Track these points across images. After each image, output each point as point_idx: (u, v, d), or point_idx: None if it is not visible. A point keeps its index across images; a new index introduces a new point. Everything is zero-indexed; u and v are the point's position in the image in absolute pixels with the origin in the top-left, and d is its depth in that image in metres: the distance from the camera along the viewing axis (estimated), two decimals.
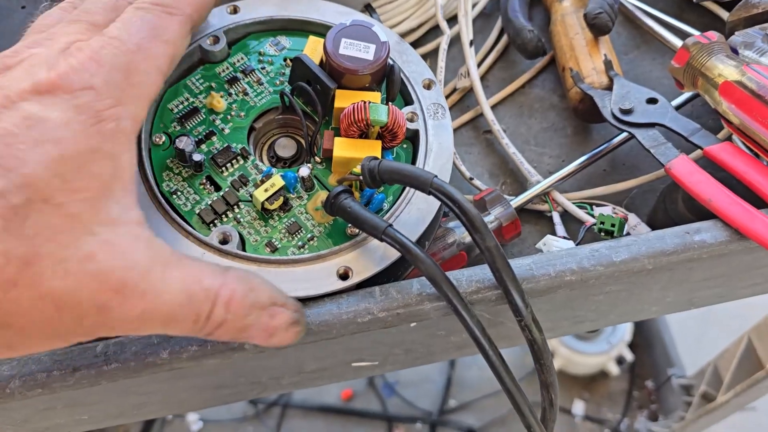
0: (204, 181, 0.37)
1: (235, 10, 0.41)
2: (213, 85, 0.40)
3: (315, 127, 0.38)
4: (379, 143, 0.36)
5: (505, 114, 0.52)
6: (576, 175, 0.47)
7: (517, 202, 0.46)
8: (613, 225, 0.42)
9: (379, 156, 0.36)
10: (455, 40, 0.53)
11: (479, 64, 0.53)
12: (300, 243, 0.36)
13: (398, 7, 0.52)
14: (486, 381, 1.26)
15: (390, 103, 0.37)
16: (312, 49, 0.39)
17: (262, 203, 0.35)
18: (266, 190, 0.36)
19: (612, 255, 0.35)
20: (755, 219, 0.35)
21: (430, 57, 0.53)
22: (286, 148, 0.40)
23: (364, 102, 0.36)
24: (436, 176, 0.32)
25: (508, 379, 0.34)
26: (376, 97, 0.37)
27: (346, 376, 0.47)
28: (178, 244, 0.34)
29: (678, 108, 0.47)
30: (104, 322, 0.28)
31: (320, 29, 0.41)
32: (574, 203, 0.46)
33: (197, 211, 0.36)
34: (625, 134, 0.45)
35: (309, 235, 0.36)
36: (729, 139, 0.44)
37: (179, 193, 0.37)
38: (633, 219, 0.44)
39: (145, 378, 0.37)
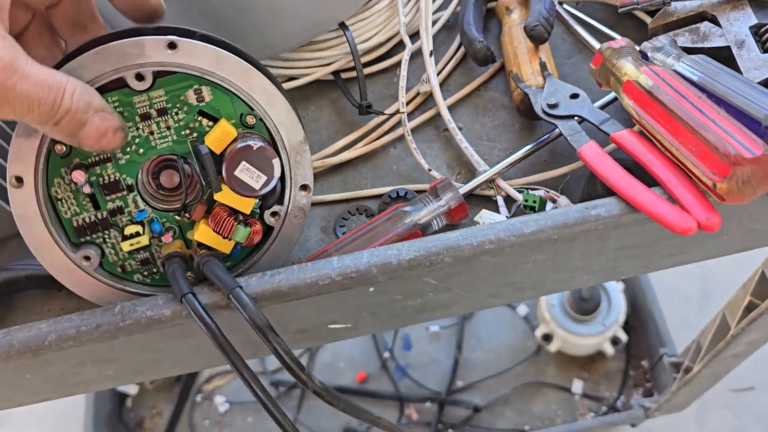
0: (87, 199, 0.44)
1: (172, 46, 0.41)
2: (125, 113, 0.43)
3: (194, 191, 0.46)
4: (232, 243, 0.45)
5: (462, 113, 0.60)
6: (520, 165, 0.55)
7: (466, 188, 0.54)
8: (534, 202, 0.50)
9: (229, 251, 0.46)
10: (420, 50, 0.61)
11: (442, 70, 0.61)
12: (146, 273, 0.47)
13: (368, 24, 0.60)
14: (490, 363, 1.34)
15: (253, 225, 0.45)
16: (217, 138, 0.43)
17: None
18: (131, 245, 0.45)
19: (523, 227, 0.43)
20: (643, 194, 0.43)
21: (397, 67, 0.61)
22: (170, 180, 0.45)
23: (232, 224, 0.44)
24: (240, 287, 0.42)
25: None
26: (250, 203, 0.45)
27: (325, 338, 0.56)
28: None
29: (606, 105, 0.55)
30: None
31: (243, 106, 0.44)
32: (514, 188, 0.54)
33: (74, 222, 0.45)
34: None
35: (155, 269, 0.47)
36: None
37: (63, 201, 0.44)
38: (563, 200, 0.52)
39: (155, 333, 0.46)
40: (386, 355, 1.36)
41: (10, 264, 0.55)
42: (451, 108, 0.60)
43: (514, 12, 0.61)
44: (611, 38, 0.59)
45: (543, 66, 0.56)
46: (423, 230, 0.52)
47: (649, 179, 0.45)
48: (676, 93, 0.44)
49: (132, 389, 1.39)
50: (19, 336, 0.45)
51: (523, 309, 1.37)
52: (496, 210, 0.54)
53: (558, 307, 1.25)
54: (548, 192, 0.53)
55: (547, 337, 1.29)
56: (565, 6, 0.63)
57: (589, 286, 0.59)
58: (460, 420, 1.29)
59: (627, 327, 1.30)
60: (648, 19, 0.60)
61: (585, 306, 1.23)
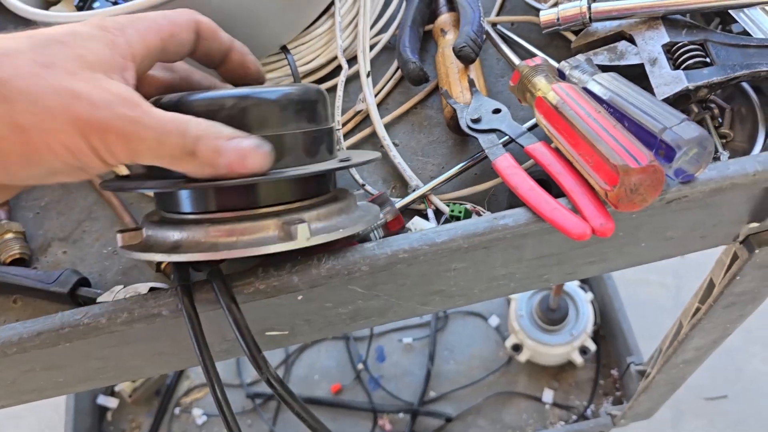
0: None
1: None
2: None
3: None
4: None
5: (400, 130, 0.63)
6: (454, 180, 0.58)
7: (400, 203, 0.57)
8: (459, 212, 0.53)
9: None
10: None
11: (382, 89, 0.65)
12: None
13: (309, 48, 0.63)
14: (462, 373, 1.36)
15: None
16: None
17: None
18: None
19: (435, 237, 0.46)
20: (546, 203, 0.46)
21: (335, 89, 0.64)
22: None
23: None
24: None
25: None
26: None
27: (266, 345, 0.58)
28: None
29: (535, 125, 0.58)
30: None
31: None
32: (444, 203, 0.57)
33: None
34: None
35: None
36: None
37: None
38: (488, 215, 0.55)
39: (94, 341, 0.49)
40: (360, 366, 1.39)
41: None
42: (389, 125, 0.63)
43: (448, 33, 0.64)
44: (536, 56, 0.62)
45: (471, 83, 0.59)
46: (361, 242, 0.55)
47: (560, 190, 0.48)
48: (578, 108, 0.47)
49: (111, 402, 1.41)
50: None
51: (494, 320, 1.40)
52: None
53: (527, 317, 1.27)
54: (474, 207, 0.56)
55: (517, 348, 1.31)
56: (499, 27, 0.67)
57: (521, 292, 0.62)
58: (432, 430, 1.32)
59: (597, 336, 1.33)
60: (574, 38, 0.63)
61: (553, 316, 1.25)
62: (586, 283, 1.35)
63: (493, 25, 0.67)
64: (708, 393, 1.52)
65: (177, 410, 1.40)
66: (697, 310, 0.80)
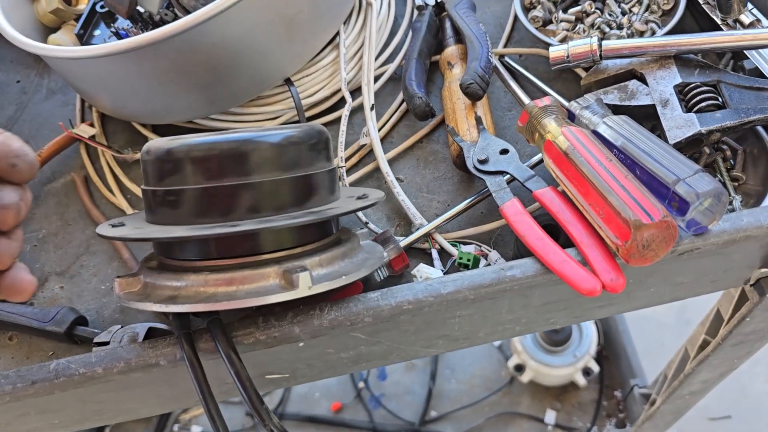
0: None
1: None
2: None
3: None
4: None
5: (405, 165, 0.62)
6: (459, 217, 0.57)
7: (404, 242, 0.56)
8: (468, 260, 0.52)
9: None
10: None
11: (387, 122, 0.63)
12: None
13: (313, 80, 0.62)
14: (464, 393, 1.35)
15: None
16: None
17: None
18: None
19: (441, 288, 0.45)
20: (555, 254, 0.45)
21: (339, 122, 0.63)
22: None
23: None
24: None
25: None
26: None
27: (265, 387, 0.57)
28: None
29: (539, 162, 0.57)
30: None
31: None
32: (449, 242, 0.56)
33: None
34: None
35: None
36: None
37: None
38: (494, 255, 0.54)
39: (90, 389, 0.48)
40: (361, 385, 1.37)
41: None
42: (394, 159, 0.62)
43: (455, 67, 0.63)
44: (546, 93, 0.61)
45: (478, 120, 0.58)
46: (364, 282, 0.54)
47: (567, 237, 0.47)
48: (589, 155, 0.46)
49: None
50: None
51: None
52: (431, 262, 0.56)
53: (530, 338, 1.26)
54: (480, 247, 0.55)
55: (520, 368, 1.30)
56: (507, 59, 0.65)
57: (527, 334, 0.61)
58: None
59: (600, 357, 1.31)
60: (584, 74, 0.62)
61: (556, 337, 1.24)
62: None
63: (500, 57, 0.66)
64: (712, 413, 1.50)
65: (176, 427, 1.39)
66: (705, 342, 0.78)
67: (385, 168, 0.59)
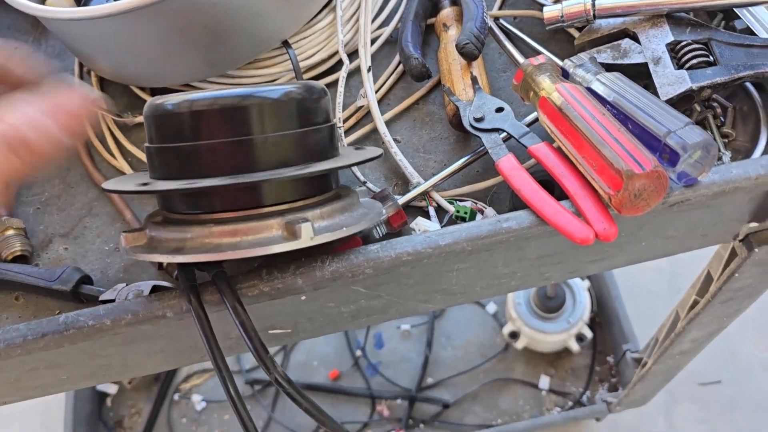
0: None
1: None
2: None
3: None
4: None
5: (401, 126, 0.63)
6: (455, 176, 0.58)
7: (401, 200, 0.57)
8: (465, 213, 0.53)
9: None
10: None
11: (383, 84, 0.64)
12: None
13: (310, 42, 0.63)
14: (459, 360, 1.37)
15: None
16: None
17: None
18: None
19: (439, 240, 0.46)
20: (549, 206, 0.46)
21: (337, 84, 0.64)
22: None
23: None
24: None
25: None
26: None
27: (269, 342, 0.58)
28: None
29: (534, 120, 0.58)
30: None
31: None
32: (446, 199, 0.57)
33: None
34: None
35: None
36: None
37: None
38: (490, 212, 0.55)
39: (98, 342, 0.49)
40: (358, 353, 1.40)
41: None
42: (391, 121, 0.63)
43: (450, 28, 0.63)
44: (540, 53, 0.62)
45: (474, 80, 0.59)
46: (364, 239, 0.55)
47: (562, 192, 0.48)
48: (583, 110, 0.47)
49: (111, 389, 1.42)
50: None
51: (492, 307, 1.40)
52: (429, 219, 0.57)
53: (524, 305, 1.28)
54: (476, 203, 0.56)
55: (514, 335, 1.32)
56: (501, 21, 0.66)
57: (522, 290, 0.62)
58: (429, 416, 1.33)
59: (593, 324, 1.33)
60: (577, 34, 0.63)
61: (550, 304, 1.26)
62: None
63: (495, 19, 0.66)
64: (702, 378, 1.53)
65: (176, 396, 1.41)
66: (695, 303, 0.80)
67: (383, 129, 0.60)
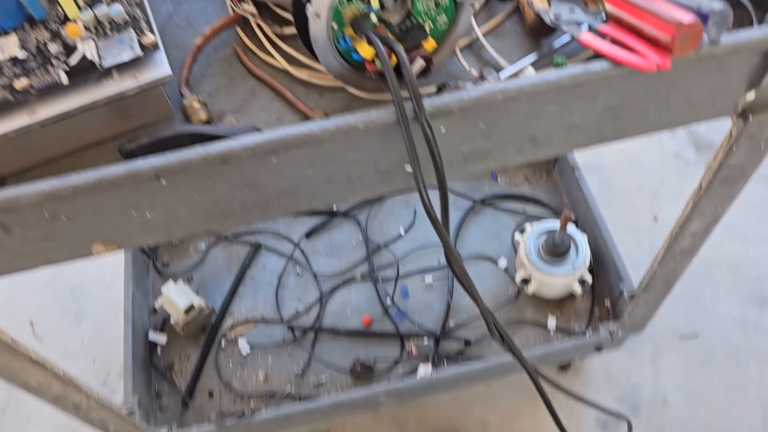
0: None
1: None
2: None
3: None
4: None
5: (488, 39, 0.85)
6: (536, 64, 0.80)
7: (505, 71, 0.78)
8: (561, 62, 0.75)
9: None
10: None
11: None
12: None
13: None
14: (476, 308, 1.56)
15: None
16: None
17: None
18: None
19: (548, 77, 0.67)
20: (621, 53, 0.68)
21: None
22: None
23: None
24: None
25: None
26: None
27: (402, 179, 0.77)
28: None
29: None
30: None
31: None
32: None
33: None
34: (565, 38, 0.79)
35: None
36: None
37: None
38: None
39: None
40: (388, 302, 1.58)
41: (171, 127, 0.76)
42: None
43: None
44: None
45: None
46: None
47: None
48: None
49: (161, 338, 1.56)
50: (184, 156, 0.66)
51: (503, 262, 1.61)
52: None
53: (534, 253, 1.49)
54: None
55: (526, 281, 1.52)
56: None
57: (584, 147, 0.81)
58: (454, 352, 1.51)
59: (591, 272, 1.55)
60: None
61: (557, 250, 1.47)
62: (579, 227, 1.58)
63: None
64: (682, 332, 1.75)
65: (223, 343, 1.56)
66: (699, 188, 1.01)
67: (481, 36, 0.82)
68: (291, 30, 0.85)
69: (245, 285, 1.64)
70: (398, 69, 0.66)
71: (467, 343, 1.50)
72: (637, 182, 2.04)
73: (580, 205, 1.62)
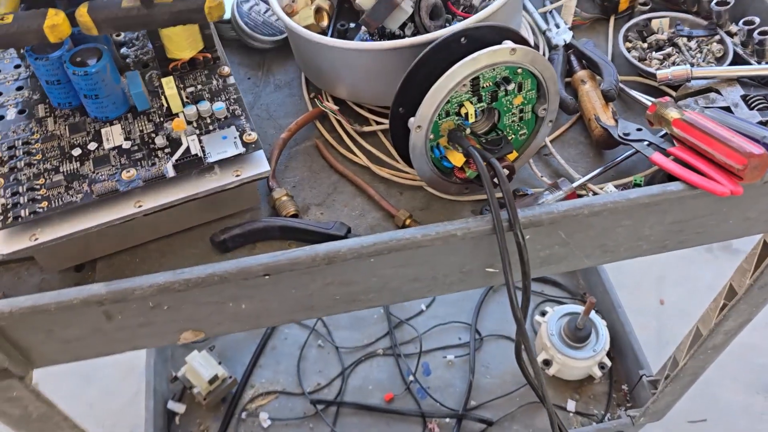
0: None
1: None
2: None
3: None
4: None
5: (554, 146, 0.91)
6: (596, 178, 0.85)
7: (573, 186, 0.83)
8: (639, 181, 0.80)
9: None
10: None
11: None
12: None
13: None
14: (497, 386, 1.59)
15: None
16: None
17: None
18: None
19: (628, 194, 0.73)
20: (696, 177, 0.74)
21: None
22: None
23: None
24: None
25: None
26: None
27: (483, 278, 0.82)
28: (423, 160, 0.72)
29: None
30: None
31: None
32: (598, 186, 0.84)
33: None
34: (629, 151, 0.85)
35: None
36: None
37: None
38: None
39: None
40: (410, 378, 1.60)
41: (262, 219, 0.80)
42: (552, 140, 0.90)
43: (586, 83, 0.93)
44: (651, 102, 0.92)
45: (614, 113, 0.88)
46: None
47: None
48: (708, 122, 0.76)
49: (180, 408, 1.56)
50: (293, 255, 0.70)
51: None
52: None
53: (557, 336, 1.53)
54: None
55: (547, 363, 1.56)
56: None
57: (647, 255, 0.86)
58: None
59: (610, 356, 1.59)
60: (672, 93, 0.93)
61: (579, 334, 1.52)
62: (599, 312, 1.63)
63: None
64: (691, 417, 1.79)
65: (243, 415, 1.56)
66: (724, 306, 1.08)
67: (547, 142, 0.88)
68: (369, 127, 0.91)
69: (266, 356, 1.65)
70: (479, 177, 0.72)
71: (489, 423, 1.52)
72: (643, 265, 2.11)
73: (597, 289, 1.67)
